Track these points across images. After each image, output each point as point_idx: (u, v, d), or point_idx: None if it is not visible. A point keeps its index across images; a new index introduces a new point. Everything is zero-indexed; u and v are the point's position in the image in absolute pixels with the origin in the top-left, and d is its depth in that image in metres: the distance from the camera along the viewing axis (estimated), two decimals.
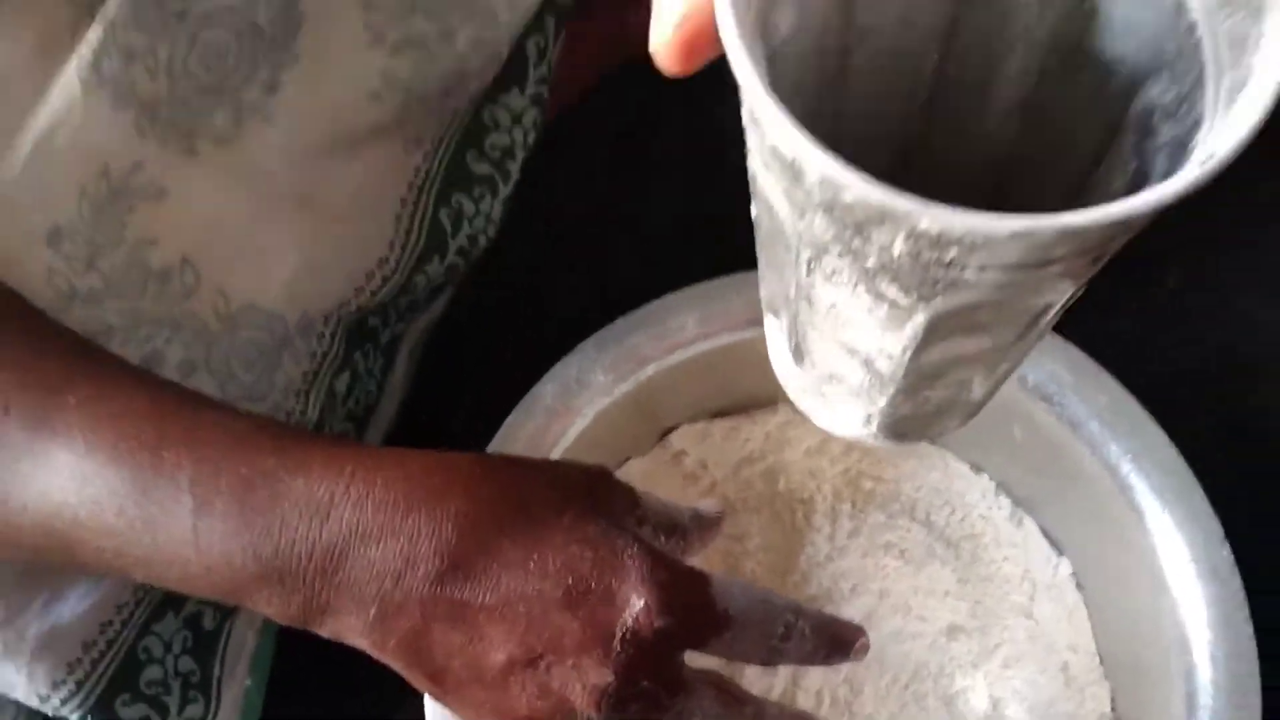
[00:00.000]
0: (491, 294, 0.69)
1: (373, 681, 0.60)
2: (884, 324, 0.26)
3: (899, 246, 0.23)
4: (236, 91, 0.48)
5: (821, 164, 0.23)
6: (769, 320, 0.33)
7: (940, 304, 0.25)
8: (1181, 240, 0.73)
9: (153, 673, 0.52)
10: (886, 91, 0.31)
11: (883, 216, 0.23)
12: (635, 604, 0.35)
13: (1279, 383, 0.69)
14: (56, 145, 0.44)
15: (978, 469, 0.62)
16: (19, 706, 0.50)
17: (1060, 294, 0.26)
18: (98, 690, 0.50)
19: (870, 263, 0.24)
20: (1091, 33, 0.28)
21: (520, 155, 0.62)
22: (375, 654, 0.39)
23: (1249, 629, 0.51)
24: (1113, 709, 0.57)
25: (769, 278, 0.32)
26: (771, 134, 0.24)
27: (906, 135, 0.32)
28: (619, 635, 0.35)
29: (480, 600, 0.36)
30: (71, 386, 0.39)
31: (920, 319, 0.25)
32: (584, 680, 0.36)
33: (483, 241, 0.61)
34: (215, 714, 0.55)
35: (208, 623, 0.55)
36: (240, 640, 0.57)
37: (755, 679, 0.58)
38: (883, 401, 0.29)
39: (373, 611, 0.37)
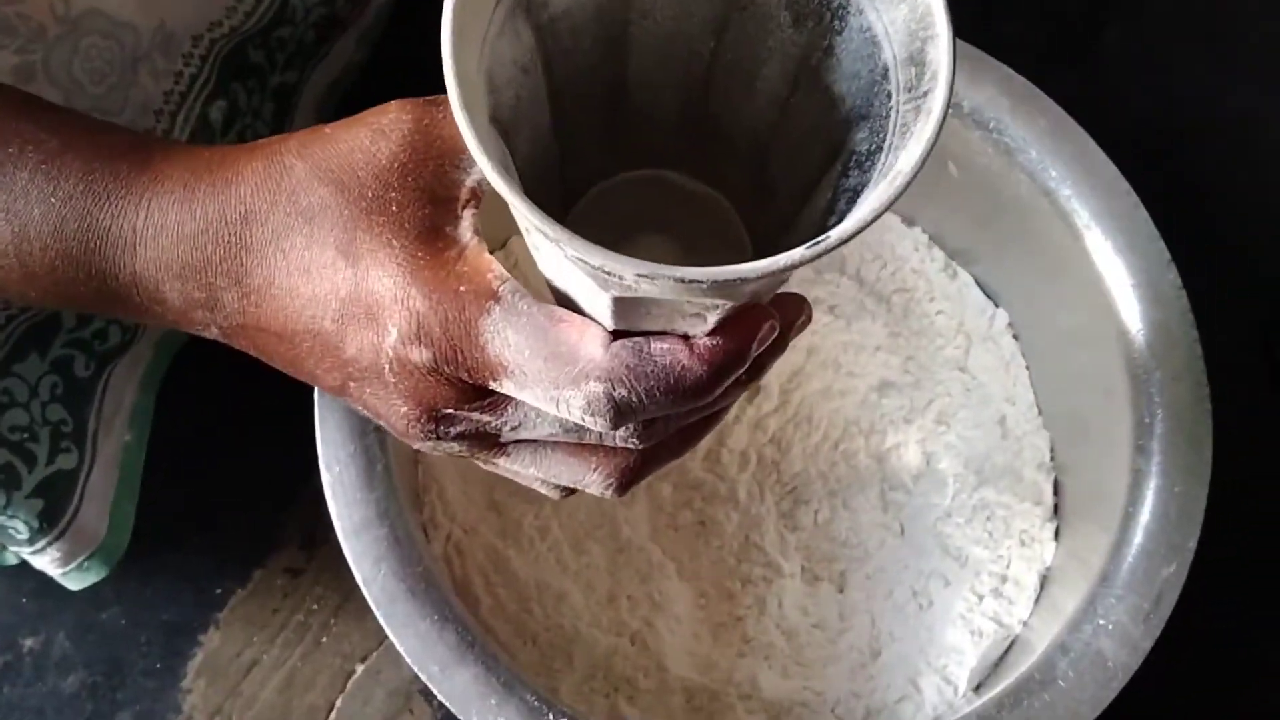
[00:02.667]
0: (406, 50, 0.64)
1: (263, 442, 0.57)
2: (590, 289, 0.30)
3: (568, 256, 0.28)
4: None
5: (523, 207, 0.27)
6: None
7: (617, 293, 0.29)
8: None
9: (16, 417, 0.47)
10: (667, 62, 0.35)
11: (553, 238, 0.27)
12: (390, 332, 0.31)
13: (1216, 137, 0.66)
14: None
15: (910, 222, 0.59)
16: None
17: (723, 307, 0.29)
18: None
19: (566, 254, 0.28)
20: (827, 67, 0.32)
21: None
22: None
23: (1198, 350, 0.48)
24: (1051, 458, 0.55)
25: None
26: (483, 173, 0.28)
27: (689, 100, 0.36)
28: (386, 364, 0.31)
29: (270, 327, 0.33)
30: None
31: (607, 298, 0.29)
32: (387, 406, 0.32)
33: None
34: (90, 467, 0.51)
35: (80, 370, 0.50)
36: (119, 393, 0.52)
37: None
38: (611, 325, 0.31)
39: (215, 329, 0.34)
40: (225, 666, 0.55)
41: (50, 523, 0.50)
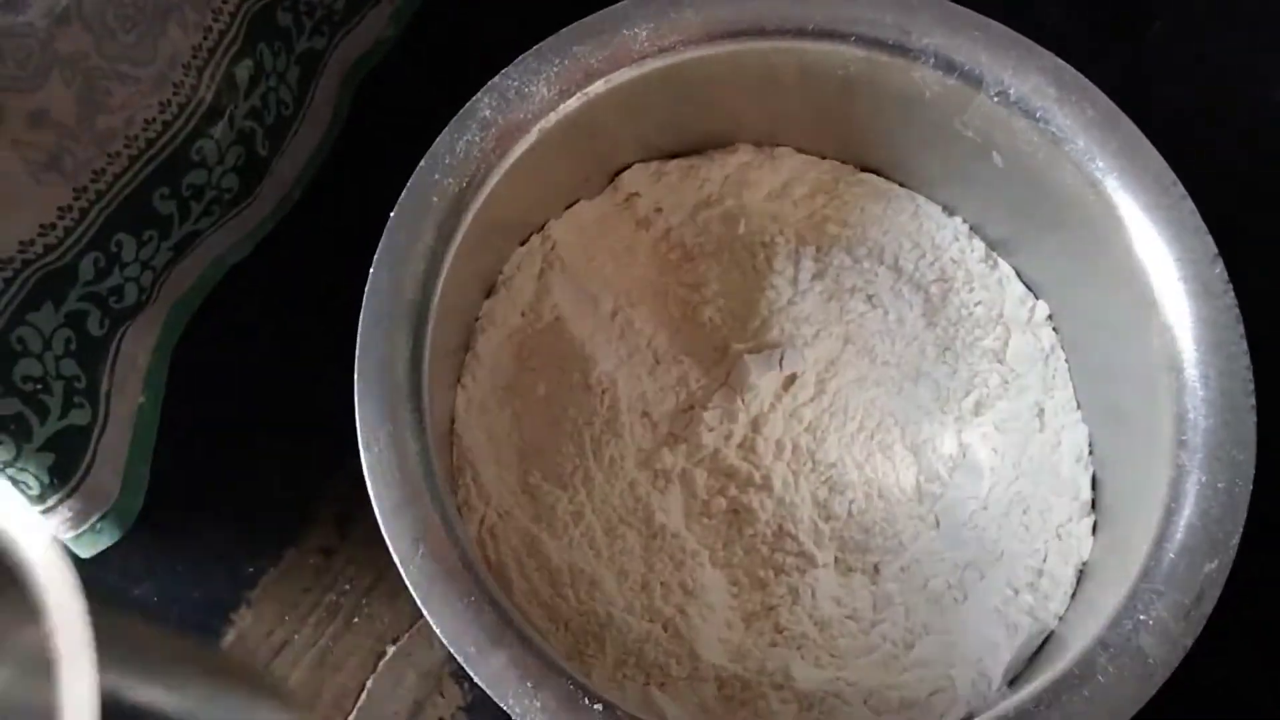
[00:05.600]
0: (439, 33, 0.64)
1: (297, 419, 0.56)
2: None
3: None
4: None
5: None
6: None
7: None
8: None
9: (29, 367, 0.47)
10: None
11: None
12: None
13: (1264, 128, 0.65)
14: None
15: (950, 211, 0.58)
16: None
17: None
18: None
19: None
20: None
21: None
22: None
23: (1243, 346, 0.47)
24: (1090, 452, 0.54)
25: None
26: None
27: None
28: None
29: None
30: None
31: None
32: None
33: None
34: (104, 426, 0.50)
35: (94, 327, 0.49)
36: (131, 355, 0.52)
37: (714, 421, 0.54)
38: None
39: None
40: (256, 646, 0.55)
41: (61, 479, 0.49)
